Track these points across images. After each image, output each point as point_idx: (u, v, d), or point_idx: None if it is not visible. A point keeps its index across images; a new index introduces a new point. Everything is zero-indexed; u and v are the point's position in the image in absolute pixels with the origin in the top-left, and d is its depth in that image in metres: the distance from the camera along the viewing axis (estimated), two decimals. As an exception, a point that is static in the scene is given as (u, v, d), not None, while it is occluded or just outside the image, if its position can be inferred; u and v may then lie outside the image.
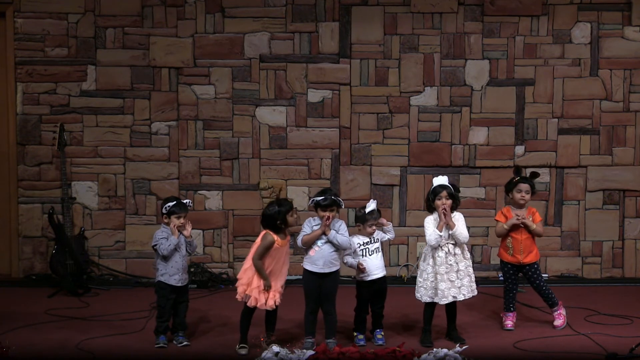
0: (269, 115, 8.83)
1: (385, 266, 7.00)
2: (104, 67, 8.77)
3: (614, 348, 6.57)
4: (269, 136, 8.84)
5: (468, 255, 6.95)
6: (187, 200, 6.95)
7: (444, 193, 6.85)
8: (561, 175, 8.87)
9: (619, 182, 8.87)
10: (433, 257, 6.88)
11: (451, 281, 6.85)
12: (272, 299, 6.63)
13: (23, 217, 8.86)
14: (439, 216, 6.85)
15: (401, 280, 8.68)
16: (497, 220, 7.32)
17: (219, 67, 8.80)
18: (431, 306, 6.93)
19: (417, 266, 7.08)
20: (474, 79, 8.81)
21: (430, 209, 6.96)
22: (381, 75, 8.81)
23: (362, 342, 6.84)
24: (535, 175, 7.33)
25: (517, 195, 7.19)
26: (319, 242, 6.70)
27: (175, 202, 6.83)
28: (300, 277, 6.81)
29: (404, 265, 8.89)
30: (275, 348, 6.45)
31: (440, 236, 6.82)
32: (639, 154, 8.86)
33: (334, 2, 8.75)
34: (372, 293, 6.92)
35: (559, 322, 7.26)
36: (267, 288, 6.61)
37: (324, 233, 6.68)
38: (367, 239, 6.89)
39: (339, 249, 6.73)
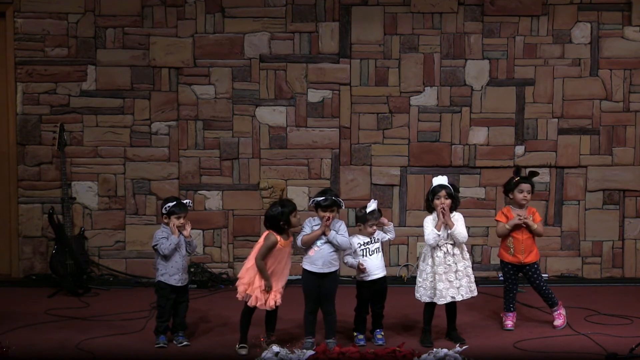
0: (269, 115, 8.83)
1: (385, 266, 7.00)
2: (104, 67, 8.77)
3: (614, 348, 6.57)
4: (269, 136, 8.84)
5: (467, 255, 6.95)
6: (187, 201, 6.95)
7: (443, 193, 6.85)
8: (561, 175, 8.87)
9: (619, 182, 8.87)
10: (432, 257, 6.88)
11: (449, 281, 6.85)
12: (273, 299, 6.63)
13: (23, 217, 8.86)
14: (438, 216, 6.85)
15: (401, 280, 8.68)
16: (497, 221, 7.31)
17: (219, 67, 8.80)
18: (431, 306, 6.93)
19: (417, 266, 7.08)
20: (474, 79, 8.81)
21: (430, 208, 6.96)
22: (381, 75, 8.81)
23: (362, 342, 6.85)
24: (534, 174, 7.33)
25: (519, 196, 7.19)
26: (319, 242, 6.70)
27: (175, 202, 6.83)
28: (300, 277, 6.81)
29: (404, 265, 8.89)
30: (275, 348, 6.45)
31: (439, 235, 6.82)
32: (639, 154, 8.86)
33: (334, 2, 8.75)
34: (372, 293, 6.92)
35: (559, 322, 7.26)
36: (268, 289, 6.61)
37: (323, 233, 6.68)
38: (368, 239, 6.89)
39: (338, 249, 6.73)
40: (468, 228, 7.03)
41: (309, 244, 6.72)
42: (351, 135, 8.83)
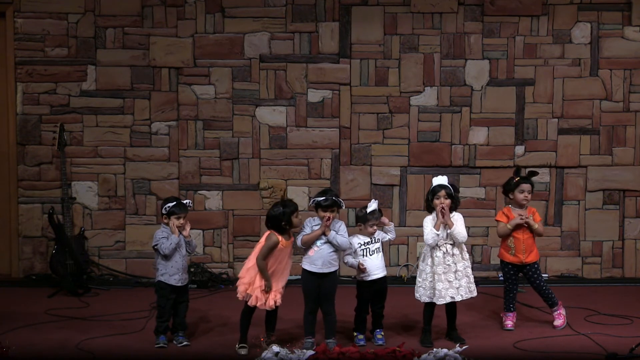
0: (269, 115, 8.83)
1: (385, 266, 7.00)
2: (104, 67, 8.77)
3: (614, 348, 6.57)
4: (269, 136, 8.84)
5: (467, 256, 6.95)
6: (187, 201, 6.95)
7: (443, 192, 6.85)
8: (561, 175, 8.87)
9: (619, 182, 8.87)
10: (431, 257, 6.88)
11: (449, 282, 6.85)
12: (273, 299, 6.63)
13: (23, 217, 8.86)
14: (437, 215, 6.85)
15: (401, 280, 8.68)
16: (498, 221, 7.30)
17: (219, 67, 8.80)
18: (431, 306, 6.93)
19: (417, 266, 7.08)
20: (474, 79, 8.81)
21: (430, 208, 6.96)
22: (381, 75, 8.81)
23: (362, 342, 6.84)
24: (534, 173, 7.33)
25: (520, 196, 7.19)
26: (318, 242, 6.71)
27: (175, 202, 6.83)
28: (300, 277, 6.81)
29: (404, 265, 8.89)
30: (275, 348, 6.45)
31: (438, 235, 6.82)
32: (639, 154, 8.86)
33: (334, 2, 8.75)
34: (372, 293, 6.92)
35: (559, 322, 7.26)
36: (268, 289, 6.61)
37: (323, 233, 6.68)
38: (368, 239, 6.89)
39: (338, 249, 6.73)
40: (468, 228, 7.03)
41: (308, 244, 6.72)
42: (351, 135, 8.83)
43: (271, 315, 6.78)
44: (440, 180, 6.94)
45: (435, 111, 8.83)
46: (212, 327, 7.33)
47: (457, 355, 6.38)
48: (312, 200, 6.78)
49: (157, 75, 8.79)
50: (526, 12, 8.75)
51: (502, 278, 7.43)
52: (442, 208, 6.82)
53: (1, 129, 8.83)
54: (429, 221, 6.91)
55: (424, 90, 8.82)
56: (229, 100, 8.83)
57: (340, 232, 6.71)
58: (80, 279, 8.38)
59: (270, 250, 6.58)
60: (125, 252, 8.89)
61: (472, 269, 7.01)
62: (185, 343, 6.84)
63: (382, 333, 6.94)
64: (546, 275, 8.60)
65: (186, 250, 6.88)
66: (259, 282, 6.61)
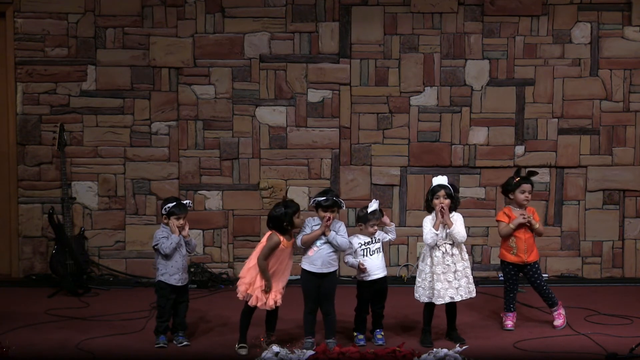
0: (269, 115, 8.83)
1: (385, 266, 6.99)
2: (104, 67, 8.77)
3: (614, 348, 6.57)
4: (269, 136, 8.84)
5: (466, 256, 6.95)
6: (187, 201, 6.95)
7: (442, 192, 6.86)
8: (561, 175, 8.87)
9: (619, 182, 8.87)
10: (431, 257, 6.88)
11: (448, 282, 6.85)
12: (273, 299, 6.63)
13: (23, 217, 8.86)
14: (436, 215, 6.85)
15: (401, 280, 8.68)
16: (499, 221, 7.29)
17: (219, 67, 8.80)
18: (430, 306, 6.93)
19: (417, 266, 7.08)
20: (474, 79, 8.81)
21: (429, 208, 6.96)
22: (381, 75, 8.81)
23: (362, 342, 6.84)
24: (534, 173, 7.33)
25: (521, 196, 7.20)
26: (318, 243, 6.71)
27: (175, 203, 6.83)
28: (300, 277, 6.81)
29: (404, 265, 8.89)
30: (275, 348, 6.45)
31: (437, 235, 6.82)
32: (639, 154, 8.86)
33: (334, 2, 8.75)
34: (372, 293, 6.92)
35: (558, 322, 7.26)
36: (268, 290, 6.61)
37: (323, 233, 6.68)
38: (369, 239, 6.89)
39: (337, 249, 6.73)
40: (468, 228, 7.02)
41: (308, 244, 6.72)
42: (351, 135, 8.83)
43: (271, 315, 6.78)
44: (440, 180, 6.94)
45: (435, 111, 8.83)
46: (212, 327, 7.33)
47: (457, 355, 6.38)
48: (312, 200, 6.78)
49: (157, 75, 8.79)
50: (526, 12, 8.75)
51: (502, 278, 7.42)
52: (442, 208, 6.82)
53: (1, 129, 8.83)
54: (428, 221, 6.91)
55: (424, 90, 8.82)
56: (229, 100, 8.83)
57: (340, 233, 6.71)
58: (80, 279, 8.38)
59: (271, 250, 6.58)
60: (125, 252, 8.89)
61: (472, 269, 7.01)
62: (185, 343, 6.84)
63: (382, 333, 6.94)
64: (546, 275, 8.60)
65: (186, 250, 6.88)
66: (259, 282, 6.61)
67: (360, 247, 6.86)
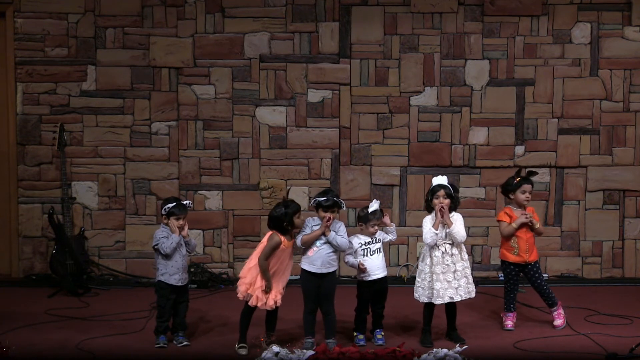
0: (269, 115, 8.83)
1: (386, 266, 6.99)
2: (104, 67, 8.77)
3: (614, 348, 6.57)
4: (269, 136, 8.84)
5: (466, 256, 6.95)
6: (187, 202, 6.95)
7: (442, 192, 6.86)
8: (561, 175, 8.87)
9: (619, 182, 8.87)
10: (430, 257, 6.88)
11: (448, 282, 6.85)
12: (273, 299, 6.63)
13: (23, 217, 8.86)
14: (436, 215, 6.86)
15: (401, 281, 8.68)
16: (500, 221, 7.28)
17: (219, 67, 8.80)
18: (430, 306, 6.93)
19: (417, 266, 7.07)
20: (474, 79, 8.81)
21: (429, 208, 6.96)
22: (381, 75, 8.81)
23: (362, 342, 6.84)
24: (534, 173, 7.34)
25: (522, 197, 7.20)
26: (318, 243, 6.71)
27: (174, 203, 6.82)
28: (300, 277, 6.81)
29: (404, 265, 8.89)
30: (275, 348, 6.45)
31: (437, 234, 6.82)
32: (639, 154, 8.86)
33: (334, 2, 8.75)
34: (372, 293, 6.92)
35: (558, 322, 7.27)
36: (268, 290, 6.61)
37: (323, 234, 6.68)
38: (369, 239, 6.89)
39: (337, 250, 6.73)
40: (468, 228, 7.02)
41: (308, 244, 6.72)
42: (351, 135, 8.83)
43: (271, 315, 6.78)
44: (440, 180, 6.94)
45: (435, 111, 8.83)
46: (212, 327, 7.33)
47: (457, 355, 6.38)
48: (313, 200, 6.78)
49: (157, 75, 8.79)
50: (526, 12, 8.75)
51: (502, 278, 7.42)
52: (441, 207, 6.82)
53: (1, 129, 8.83)
54: (428, 221, 6.91)
55: (424, 90, 8.82)
56: (229, 100, 8.83)
57: (339, 233, 6.71)
58: (80, 279, 8.38)
59: (272, 250, 6.58)
60: (125, 252, 8.89)
61: (472, 269, 7.01)
62: (185, 343, 6.84)
63: (382, 333, 6.94)
64: (546, 275, 8.59)
65: (186, 250, 6.88)
66: (260, 282, 6.60)
67: (360, 247, 6.86)
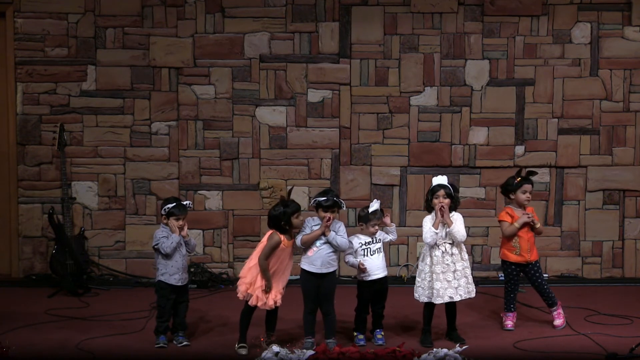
0: (269, 115, 8.83)
1: (386, 266, 6.99)
2: (104, 67, 8.77)
3: (614, 348, 6.57)
4: (269, 136, 8.84)
5: (466, 256, 6.95)
6: (187, 202, 6.95)
7: (442, 192, 6.86)
8: (561, 175, 8.87)
9: (619, 182, 8.87)
10: (430, 257, 6.88)
11: (448, 281, 6.85)
12: (273, 299, 6.63)
13: (23, 217, 8.86)
14: (436, 214, 6.86)
15: (401, 281, 8.68)
16: (501, 221, 7.28)
17: (219, 67, 8.80)
18: (430, 306, 6.93)
19: (417, 266, 7.07)
20: (474, 79, 8.81)
21: (429, 208, 6.97)
22: (381, 75, 8.81)
23: (362, 342, 6.84)
24: (533, 173, 7.34)
25: (523, 197, 7.21)
26: (318, 243, 6.70)
27: (174, 203, 6.82)
28: (300, 277, 6.81)
29: (404, 265, 8.89)
30: (275, 348, 6.45)
31: (437, 234, 6.82)
32: (639, 154, 8.86)
33: (334, 2, 8.75)
34: (372, 293, 6.92)
35: (558, 322, 7.27)
36: (268, 290, 6.61)
37: (323, 234, 6.68)
38: (369, 239, 6.89)
39: (337, 250, 6.73)
40: (468, 228, 7.02)
41: (308, 244, 6.72)
42: (351, 135, 8.83)
43: (271, 315, 6.78)
44: (440, 180, 6.94)
45: (435, 111, 8.83)
46: (212, 327, 7.33)
47: (457, 355, 6.38)
48: (313, 200, 6.78)
49: (157, 75, 8.79)
50: (526, 12, 8.75)
51: (502, 278, 7.43)
52: (441, 207, 6.82)
53: (1, 129, 8.83)
54: (428, 220, 6.91)
55: (424, 90, 8.82)
56: (229, 100, 8.83)
57: (339, 233, 6.71)
58: (80, 279, 8.38)
59: (272, 249, 6.58)
60: (125, 252, 8.89)
61: (472, 269, 7.01)
62: (185, 343, 6.84)
63: (382, 333, 6.94)
64: (546, 275, 8.59)
65: (186, 250, 6.88)
66: (260, 282, 6.60)
67: (360, 247, 6.86)
